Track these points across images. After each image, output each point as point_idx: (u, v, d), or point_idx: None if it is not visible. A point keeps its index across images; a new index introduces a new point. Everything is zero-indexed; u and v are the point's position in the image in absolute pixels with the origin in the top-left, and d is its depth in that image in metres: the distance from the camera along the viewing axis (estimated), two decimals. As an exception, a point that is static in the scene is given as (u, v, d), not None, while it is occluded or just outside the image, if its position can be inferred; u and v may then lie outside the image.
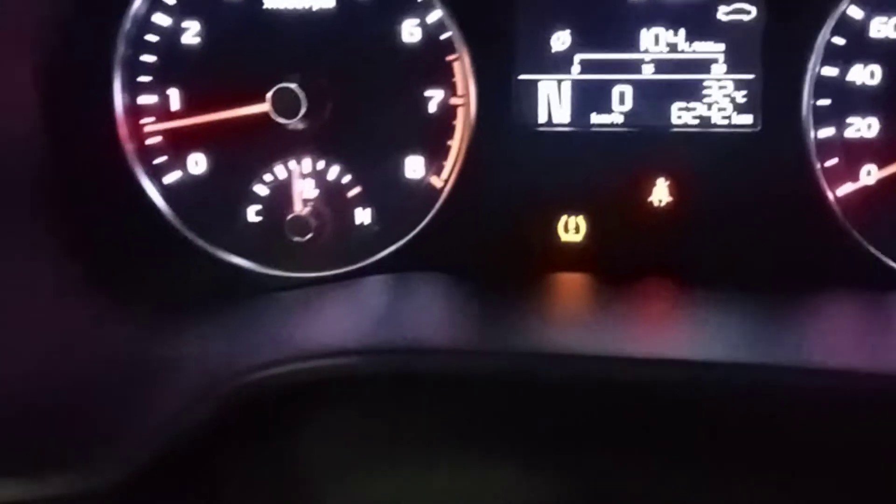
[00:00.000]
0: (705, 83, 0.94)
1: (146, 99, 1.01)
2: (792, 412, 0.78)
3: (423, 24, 0.97)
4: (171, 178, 1.03)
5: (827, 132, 0.94)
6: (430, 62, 0.98)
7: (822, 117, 0.94)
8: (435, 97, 0.98)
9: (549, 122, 0.97)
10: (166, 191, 1.03)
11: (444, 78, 0.98)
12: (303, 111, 0.96)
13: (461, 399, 0.83)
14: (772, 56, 0.93)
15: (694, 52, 0.94)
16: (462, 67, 0.97)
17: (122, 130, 1.01)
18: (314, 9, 0.98)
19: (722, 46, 0.94)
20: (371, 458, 0.84)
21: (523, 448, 0.83)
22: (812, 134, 0.94)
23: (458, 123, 0.98)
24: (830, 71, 0.93)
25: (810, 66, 0.92)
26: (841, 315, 0.92)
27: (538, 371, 0.79)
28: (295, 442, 0.84)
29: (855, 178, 0.94)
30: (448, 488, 0.85)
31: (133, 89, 1.01)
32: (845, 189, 0.95)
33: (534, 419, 0.83)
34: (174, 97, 1.01)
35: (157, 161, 1.03)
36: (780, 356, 0.79)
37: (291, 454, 0.84)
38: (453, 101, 0.98)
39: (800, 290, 0.92)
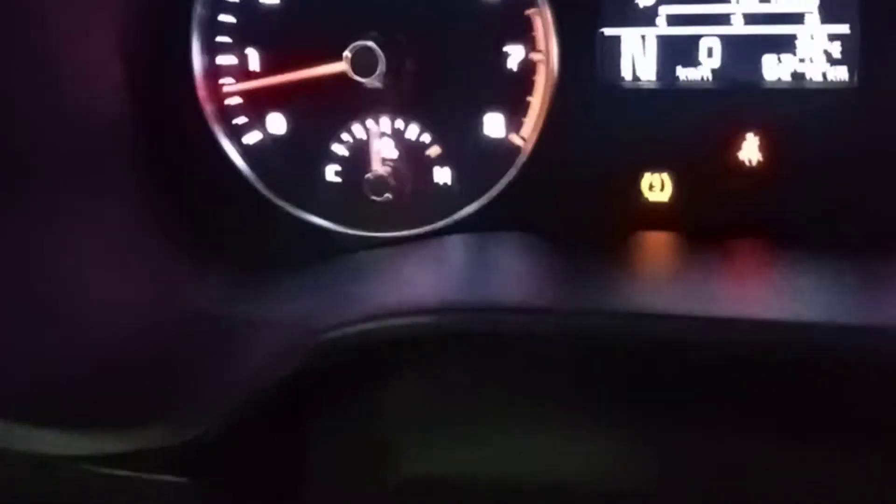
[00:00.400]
0: (798, 37, 0.91)
1: (225, 59, 1.01)
2: (889, 375, 0.76)
3: (503, -21, 0.95)
4: (251, 138, 1.03)
5: (927, 87, 0.90)
6: (511, 17, 0.95)
7: (921, 71, 0.90)
8: (515, 53, 0.96)
9: (635, 79, 0.94)
10: (246, 151, 1.03)
11: (525, 33, 0.95)
12: (381, 69, 0.95)
13: (547, 360, 0.82)
14: (868, 7, 0.89)
15: (786, 3, 0.90)
16: (543, 22, 0.94)
17: (202, 92, 1.01)
18: (391, -35, 0.97)
19: (816, -2, 0.90)
20: (453, 418, 0.85)
21: (609, 411, 0.83)
22: (911, 89, 0.90)
23: (540, 80, 0.96)
24: (931, 22, 0.89)
25: (909, 17, 0.88)
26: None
27: (626, 330, 0.77)
28: (379, 400, 0.84)
29: (956, 135, 0.90)
30: (529, 450, 0.85)
31: (211, 50, 1.01)
32: (946, 146, 0.91)
33: (621, 381, 0.82)
34: (252, 57, 1.01)
35: (236, 122, 1.02)
36: (875, 317, 0.76)
37: (375, 412, 0.85)
38: (534, 56, 0.96)
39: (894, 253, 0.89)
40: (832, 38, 0.90)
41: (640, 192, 0.96)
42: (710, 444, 0.81)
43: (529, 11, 0.95)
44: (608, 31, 0.94)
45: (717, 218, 0.95)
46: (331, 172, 1.02)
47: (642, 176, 0.96)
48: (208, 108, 1.02)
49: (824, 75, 0.91)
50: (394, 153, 1.00)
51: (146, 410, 0.79)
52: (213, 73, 1.01)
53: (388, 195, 1.00)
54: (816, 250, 0.89)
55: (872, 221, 0.91)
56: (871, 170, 0.91)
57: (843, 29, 0.90)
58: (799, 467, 0.79)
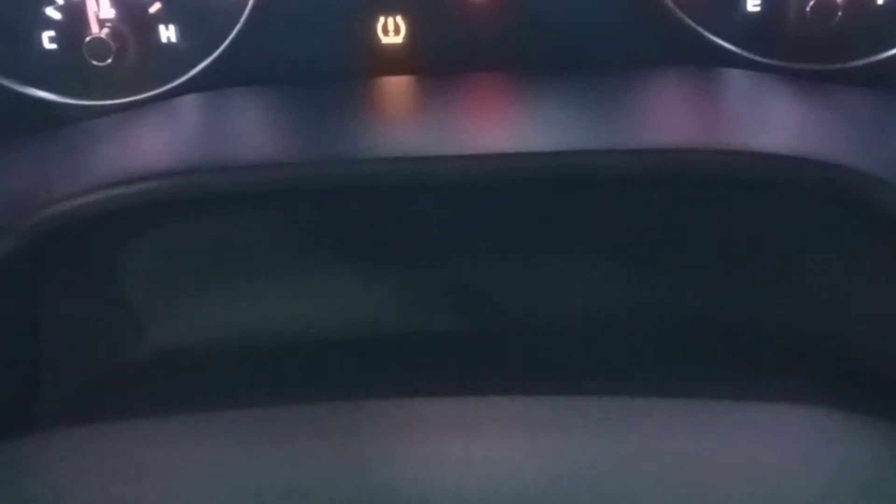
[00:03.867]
0: None
1: None
2: (628, 193, 0.78)
3: None
4: (-50, 8, 0.94)
5: None
6: None
7: None
8: None
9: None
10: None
11: None
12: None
13: (294, 213, 0.81)
14: None
15: None
16: None
17: None
18: None
19: None
20: (199, 282, 0.83)
21: (359, 259, 0.82)
22: None
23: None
24: None
25: None
26: (670, 94, 0.92)
27: (368, 176, 0.76)
28: (118, 272, 0.81)
29: (674, -46, 0.92)
30: (288, 305, 0.83)
31: None
32: (665, -34, 0.92)
33: (368, 227, 0.81)
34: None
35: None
36: (614, 139, 0.78)
37: (114, 286, 0.82)
38: None
39: (629, 73, 0.90)
40: None
41: (374, 36, 0.94)
42: (471, 275, 0.82)
43: None
44: None
45: (454, 56, 0.93)
46: (46, 39, 0.95)
47: (376, 19, 0.93)
48: None
49: None
50: (111, 13, 0.94)
51: None
52: None
53: (109, 59, 0.94)
54: (552, 78, 0.90)
55: (603, 44, 0.92)
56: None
57: None
58: (551, 284, 0.81)
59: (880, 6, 0.91)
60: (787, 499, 0.50)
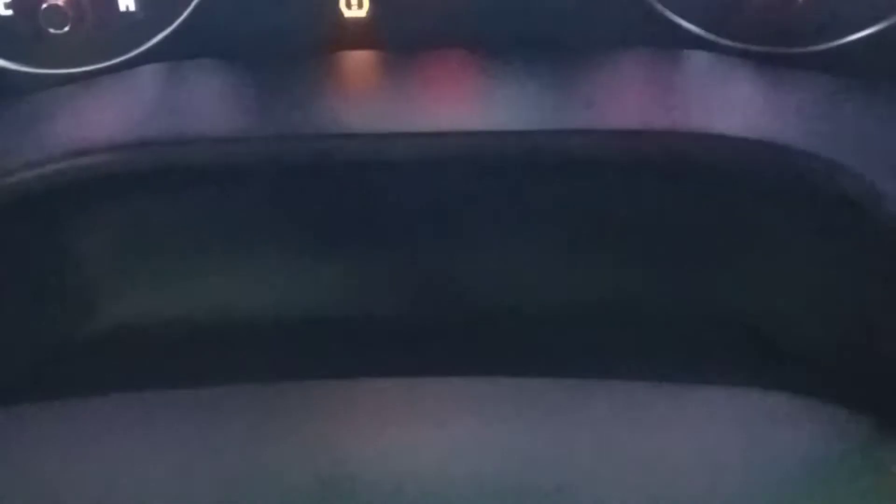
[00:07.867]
0: None
1: None
2: (592, 175, 0.78)
3: None
4: None
5: None
6: None
7: None
8: None
9: None
10: None
11: None
12: None
13: (252, 190, 0.79)
14: None
15: None
16: None
17: None
18: None
19: None
20: (156, 259, 0.81)
21: (317, 238, 0.81)
22: None
23: None
24: None
25: None
26: (634, 75, 0.91)
27: (332, 153, 0.76)
28: (68, 247, 0.80)
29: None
30: (246, 282, 0.82)
31: None
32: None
33: (326, 205, 0.80)
34: None
35: None
36: (575, 120, 0.78)
37: (64, 260, 0.80)
38: None
39: (592, 54, 0.90)
40: None
41: (337, 9, 0.93)
42: (431, 256, 0.81)
43: None
44: None
45: (416, 31, 0.92)
46: (1, 5, 0.92)
47: (337, -8, 0.92)
48: None
49: None
50: (69, -21, 0.92)
51: None
52: None
53: (67, 27, 0.92)
54: (517, 57, 0.89)
55: (568, 24, 0.91)
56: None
57: None
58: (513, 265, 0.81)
59: (844, -10, 0.91)
60: (728, 482, 0.50)
